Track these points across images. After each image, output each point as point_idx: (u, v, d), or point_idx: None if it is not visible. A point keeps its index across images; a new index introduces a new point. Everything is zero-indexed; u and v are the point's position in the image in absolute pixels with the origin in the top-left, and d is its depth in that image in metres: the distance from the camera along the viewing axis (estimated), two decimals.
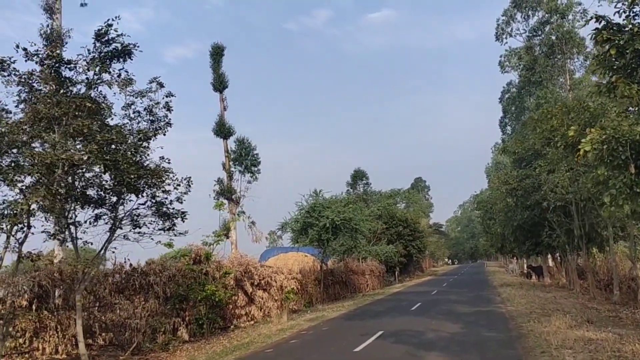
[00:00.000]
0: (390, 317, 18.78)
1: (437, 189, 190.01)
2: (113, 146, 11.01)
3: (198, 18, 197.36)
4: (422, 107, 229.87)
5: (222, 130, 30.77)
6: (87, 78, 11.68)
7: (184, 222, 14.12)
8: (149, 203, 13.77)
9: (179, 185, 14.02)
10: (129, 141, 12.84)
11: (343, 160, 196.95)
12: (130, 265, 17.77)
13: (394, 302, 26.40)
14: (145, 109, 13.25)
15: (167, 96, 13.88)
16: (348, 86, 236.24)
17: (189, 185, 14.29)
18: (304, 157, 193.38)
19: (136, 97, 13.44)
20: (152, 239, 13.39)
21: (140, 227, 13.25)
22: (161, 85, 13.83)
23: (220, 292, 18.70)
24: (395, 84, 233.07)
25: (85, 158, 10.25)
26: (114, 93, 12.99)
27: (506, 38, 43.88)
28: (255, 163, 31.08)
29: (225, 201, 29.48)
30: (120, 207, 13.49)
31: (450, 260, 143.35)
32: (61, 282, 14.48)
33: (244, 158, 30.77)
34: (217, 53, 31.25)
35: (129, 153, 11.36)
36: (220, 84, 31.04)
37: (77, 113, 11.00)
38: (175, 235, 14.84)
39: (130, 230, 13.16)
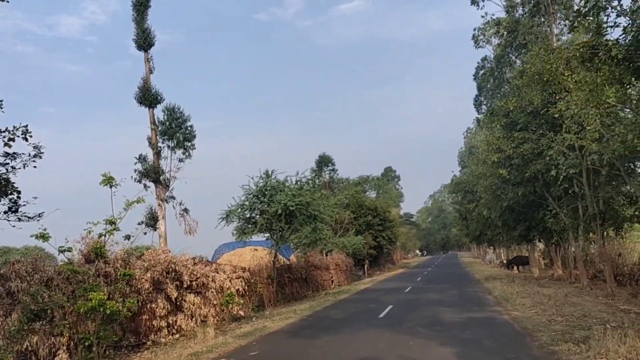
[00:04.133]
0: (349, 330, 13.42)
1: (407, 180, 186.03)
2: None
3: (165, 10, 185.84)
4: (393, 99, 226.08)
5: (147, 96, 24.48)
6: None
7: (6, 196, 8.70)
8: None
9: (11, 139, 8.66)
10: None
11: (310, 152, 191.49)
12: None
13: (359, 303, 21.26)
14: None
15: None
16: (319, 78, 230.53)
17: (26, 139, 8.90)
18: (272, 148, 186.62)
19: None
20: None
21: None
22: None
23: (114, 302, 13.22)
24: (367, 76, 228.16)
25: None
26: None
27: (483, 1, 39.17)
28: (189, 137, 24.88)
29: (138, 180, 23.45)
30: None
31: (421, 252, 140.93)
32: None
33: (175, 130, 24.68)
34: (140, 4, 25.18)
35: None
36: (144, 41, 24.93)
37: None
38: (20, 219, 9.54)
39: None
